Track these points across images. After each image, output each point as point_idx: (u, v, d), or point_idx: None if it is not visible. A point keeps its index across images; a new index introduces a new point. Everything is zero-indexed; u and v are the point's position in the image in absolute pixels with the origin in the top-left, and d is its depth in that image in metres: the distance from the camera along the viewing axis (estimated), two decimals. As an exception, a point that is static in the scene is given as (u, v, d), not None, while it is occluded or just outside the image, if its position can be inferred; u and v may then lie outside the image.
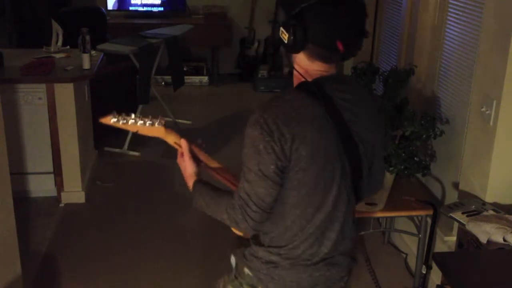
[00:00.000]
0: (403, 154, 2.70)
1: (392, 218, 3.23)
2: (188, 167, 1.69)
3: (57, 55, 4.10)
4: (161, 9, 6.57)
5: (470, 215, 2.36)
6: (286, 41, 1.50)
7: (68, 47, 4.30)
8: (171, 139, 1.68)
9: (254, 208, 1.49)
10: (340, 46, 1.47)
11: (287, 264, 1.58)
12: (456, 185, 2.87)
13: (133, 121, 1.60)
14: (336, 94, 1.51)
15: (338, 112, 1.50)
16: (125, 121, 1.59)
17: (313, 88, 1.50)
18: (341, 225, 1.58)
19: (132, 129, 1.65)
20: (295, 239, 1.56)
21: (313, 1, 1.46)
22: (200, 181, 1.67)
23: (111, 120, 1.61)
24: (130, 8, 6.54)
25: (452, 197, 2.96)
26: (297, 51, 1.52)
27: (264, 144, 1.45)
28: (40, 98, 3.69)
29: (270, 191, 1.48)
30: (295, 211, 1.53)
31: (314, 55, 1.51)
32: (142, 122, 1.60)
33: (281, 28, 1.51)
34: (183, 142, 1.68)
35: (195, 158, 1.70)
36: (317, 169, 1.48)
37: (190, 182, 1.69)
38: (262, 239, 1.62)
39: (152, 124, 1.61)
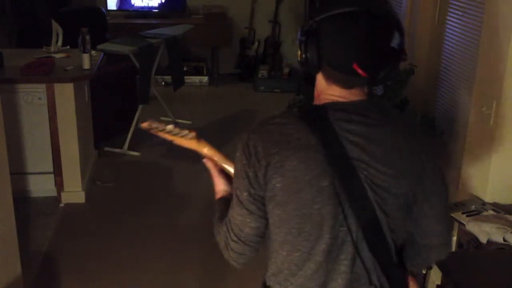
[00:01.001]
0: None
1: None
2: (215, 185, 1.56)
3: (57, 55, 4.10)
4: (161, 9, 6.57)
5: (470, 215, 2.37)
6: (299, 59, 1.32)
7: (68, 47, 4.30)
8: (204, 151, 1.62)
9: (233, 238, 1.37)
10: (359, 70, 1.24)
11: None
12: (456, 185, 2.87)
13: (169, 130, 1.57)
14: (343, 125, 1.26)
15: (340, 146, 1.25)
16: (162, 130, 1.56)
17: (313, 115, 1.29)
18: (348, 282, 1.31)
19: (168, 138, 1.59)
20: (289, 286, 1.35)
21: (325, 15, 1.26)
22: (220, 198, 1.51)
23: (150, 126, 1.55)
24: (130, 8, 6.54)
25: (452, 197, 2.96)
26: (312, 72, 1.33)
27: (241, 167, 1.32)
28: (40, 98, 3.69)
29: (247, 221, 1.32)
30: (282, 252, 1.33)
31: (331, 78, 1.30)
32: (175, 133, 1.56)
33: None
34: (207, 162, 1.59)
35: (223, 172, 1.57)
36: (297, 207, 1.26)
37: (216, 198, 1.55)
38: (267, 278, 1.43)
39: (183, 136, 1.59)
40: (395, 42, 1.29)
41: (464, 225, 2.30)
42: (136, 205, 3.93)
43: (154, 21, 6.29)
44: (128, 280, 3.11)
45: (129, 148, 4.68)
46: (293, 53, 6.88)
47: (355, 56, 1.25)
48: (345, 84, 1.30)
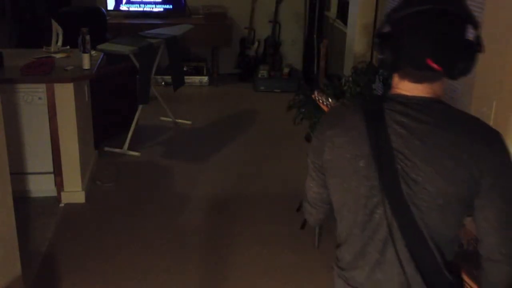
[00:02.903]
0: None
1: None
2: None
3: (57, 55, 4.10)
4: (161, 9, 6.57)
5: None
6: (378, 60, 1.38)
7: (68, 47, 4.30)
8: None
9: (305, 198, 1.59)
10: (433, 65, 1.29)
11: None
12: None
13: (326, 103, 1.92)
14: (395, 116, 1.34)
15: (385, 135, 1.33)
16: (323, 102, 1.91)
17: (372, 103, 1.41)
18: (377, 264, 1.41)
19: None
20: (341, 250, 1.49)
21: (399, 15, 1.32)
22: None
23: (315, 97, 1.90)
24: (130, 8, 6.54)
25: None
26: (390, 72, 1.42)
27: (313, 137, 1.51)
28: (40, 98, 3.69)
29: (310, 185, 1.53)
30: (337, 219, 1.49)
31: (404, 73, 1.36)
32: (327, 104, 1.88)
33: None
34: None
35: None
36: (341, 181, 1.42)
37: None
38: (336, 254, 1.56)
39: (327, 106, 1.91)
40: (469, 35, 1.32)
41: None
42: (136, 205, 3.93)
43: (154, 21, 6.29)
44: (128, 280, 3.11)
45: (129, 148, 4.68)
46: (293, 53, 6.88)
47: (428, 51, 1.29)
48: (416, 79, 1.35)
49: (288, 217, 3.74)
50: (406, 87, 1.36)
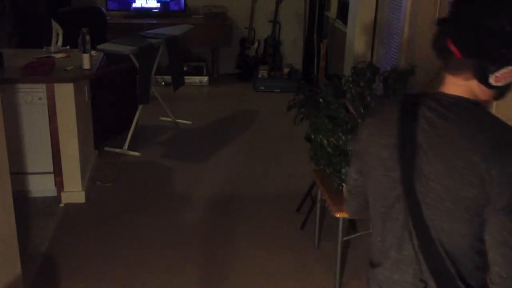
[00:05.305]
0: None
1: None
2: None
3: (57, 55, 4.10)
4: (161, 9, 6.57)
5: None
6: None
7: (68, 47, 4.30)
8: None
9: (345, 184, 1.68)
10: (452, 47, 1.25)
11: None
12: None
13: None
14: (425, 112, 1.32)
15: (412, 129, 1.32)
16: None
17: (411, 97, 1.39)
18: (395, 262, 1.40)
19: None
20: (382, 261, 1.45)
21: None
22: None
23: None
24: (130, 8, 6.54)
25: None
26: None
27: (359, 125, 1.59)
28: (40, 98, 3.69)
29: (350, 171, 1.58)
30: (370, 212, 1.49)
31: (441, 64, 1.34)
32: None
33: None
34: None
35: None
36: (369, 168, 1.44)
37: None
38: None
39: None
40: (503, 26, 1.23)
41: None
42: (136, 205, 3.93)
43: (154, 21, 6.30)
44: (128, 280, 3.11)
45: (129, 148, 4.67)
46: (293, 53, 6.88)
47: (448, 32, 1.27)
48: (444, 67, 1.32)
49: (288, 217, 3.74)
50: (449, 83, 1.33)
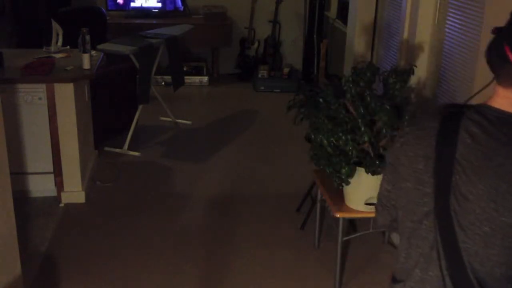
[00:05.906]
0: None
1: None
2: None
3: (57, 55, 4.10)
4: (161, 9, 6.57)
5: None
6: None
7: (68, 47, 4.30)
8: None
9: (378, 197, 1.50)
10: (510, 54, 1.15)
11: None
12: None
13: None
14: (469, 126, 1.22)
15: (452, 143, 1.22)
16: None
17: (454, 108, 1.28)
18: (420, 282, 1.31)
19: None
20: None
21: None
22: None
23: None
24: (130, 8, 6.54)
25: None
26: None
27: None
28: (40, 98, 3.69)
29: (383, 178, 1.47)
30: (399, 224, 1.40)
31: (495, 75, 1.23)
32: None
33: None
34: None
35: None
36: (401, 179, 1.35)
37: None
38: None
39: None
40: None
41: None
42: (136, 205, 3.93)
43: (154, 21, 6.30)
44: (128, 280, 3.11)
45: (129, 148, 4.67)
46: (293, 53, 6.89)
47: (507, 39, 1.17)
48: (497, 78, 1.22)
49: (288, 217, 3.74)
50: (498, 96, 1.23)
